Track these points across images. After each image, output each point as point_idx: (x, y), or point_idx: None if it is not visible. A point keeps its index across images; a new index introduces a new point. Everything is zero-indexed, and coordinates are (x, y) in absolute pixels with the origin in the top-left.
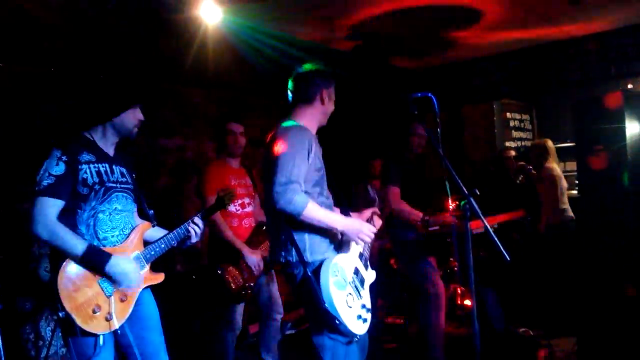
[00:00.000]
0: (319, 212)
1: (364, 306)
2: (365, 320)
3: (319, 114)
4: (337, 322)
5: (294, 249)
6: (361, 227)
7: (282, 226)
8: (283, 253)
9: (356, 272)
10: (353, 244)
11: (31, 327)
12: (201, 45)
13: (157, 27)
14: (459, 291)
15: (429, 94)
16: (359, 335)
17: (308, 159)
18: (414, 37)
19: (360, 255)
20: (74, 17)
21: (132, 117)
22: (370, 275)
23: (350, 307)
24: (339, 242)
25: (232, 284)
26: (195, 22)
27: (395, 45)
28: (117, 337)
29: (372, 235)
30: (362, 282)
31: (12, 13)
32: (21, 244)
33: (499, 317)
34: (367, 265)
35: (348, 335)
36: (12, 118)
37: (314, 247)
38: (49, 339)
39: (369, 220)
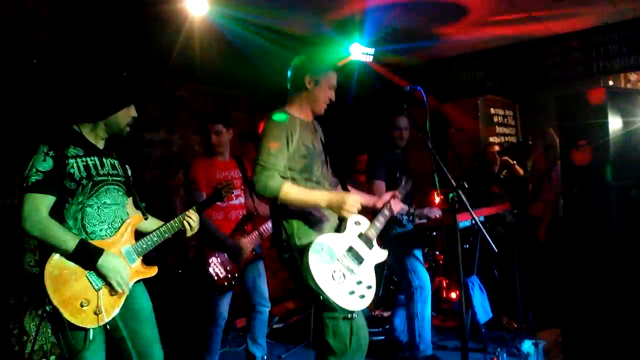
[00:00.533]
0: (297, 192)
1: (360, 282)
2: (362, 297)
3: (307, 100)
4: (321, 297)
5: (284, 234)
6: (344, 199)
7: (275, 212)
8: (276, 237)
9: (350, 249)
10: (351, 224)
11: (15, 323)
12: (187, 38)
13: (142, 19)
14: (445, 284)
15: (419, 88)
16: (356, 311)
17: (288, 147)
18: (400, 32)
19: (361, 235)
20: (58, 8)
21: (126, 115)
22: (375, 255)
23: (339, 282)
24: (331, 226)
25: (214, 275)
26: (182, 14)
27: (382, 40)
28: (110, 330)
29: (358, 206)
30: (358, 259)
31: None
32: (5, 238)
33: (486, 308)
34: (372, 245)
35: (339, 310)
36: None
37: (301, 231)
38: (33, 334)
39: (387, 204)
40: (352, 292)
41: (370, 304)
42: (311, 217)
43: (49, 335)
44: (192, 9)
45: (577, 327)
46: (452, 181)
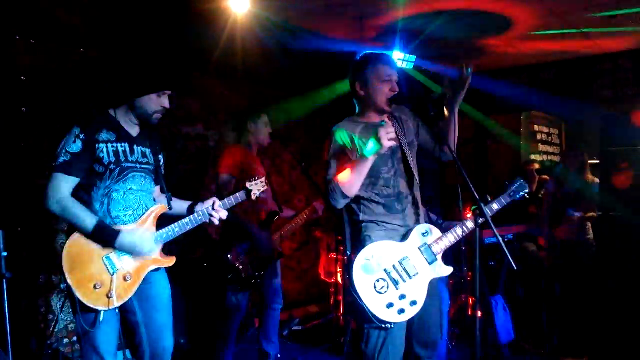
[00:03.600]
0: (346, 175)
1: (403, 297)
2: (401, 311)
3: (367, 105)
4: (359, 302)
5: (348, 236)
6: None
7: (342, 218)
8: (344, 242)
9: (402, 261)
10: (417, 234)
11: (43, 301)
12: (230, 36)
13: (187, 17)
14: (470, 302)
15: (447, 94)
16: (391, 324)
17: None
18: (443, 42)
19: (424, 247)
20: (107, 3)
21: (155, 103)
22: (434, 270)
23: (380, 292)
24: (400, 237)
25: (242, 272)
26: (225, 13)
27: (424, 49)
28: (126, 313)
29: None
30: (410, 272)
31: None
32: (40, 219)
33: (508, 329)
34: (435, 259)
35: (372, 318)
36: (41, 95)
37: (365, 235)
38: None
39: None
40: (390, 305)
41: None
42: (384, 226)
43: None
44: (235, 7)
45: (606, 357)
46: (475, 194)
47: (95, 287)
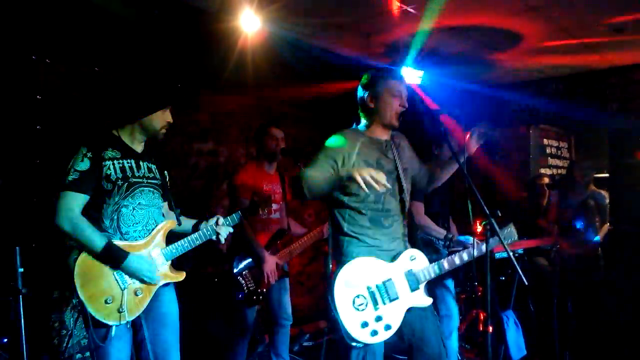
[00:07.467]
0: (315, 173)
1: (379, 319)
2: (374, 333)
3: (376, 118)
4: (332, 314)
5: (333, 248)
6: (357, 169)
7: (332, 225)
8: (329, 252)
9: (386, 282)
10: (405, 258)
11: (57, 316)
12: (240, 54)
13: (199, 35)
14: (482, 317)
15: (456, 111)
16: (361, 344)
17: (333, 165)
18: (451, 57)
19: (409, 272)
20: (118, 22)
21: (161, 119)
22: (414, 298)
23: (357, 309)
24: (386, 255)
25: (245, 287)
26: (236, 31)
27: (433, 64)
28: (135, 330)
29: (367, 177)
30: (391, 295)
31: (61, 13)
32: (53, 235)
33: (520, 344)
34: (417, 287)
35: (344, 334)
36: (55, 113)
37: (349, 248)
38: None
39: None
40: (364, 324)
41: None
42: (367, 240)
43: None
44: (245, 26)
45: None
46: (485, 209)
47: (106, 302)
